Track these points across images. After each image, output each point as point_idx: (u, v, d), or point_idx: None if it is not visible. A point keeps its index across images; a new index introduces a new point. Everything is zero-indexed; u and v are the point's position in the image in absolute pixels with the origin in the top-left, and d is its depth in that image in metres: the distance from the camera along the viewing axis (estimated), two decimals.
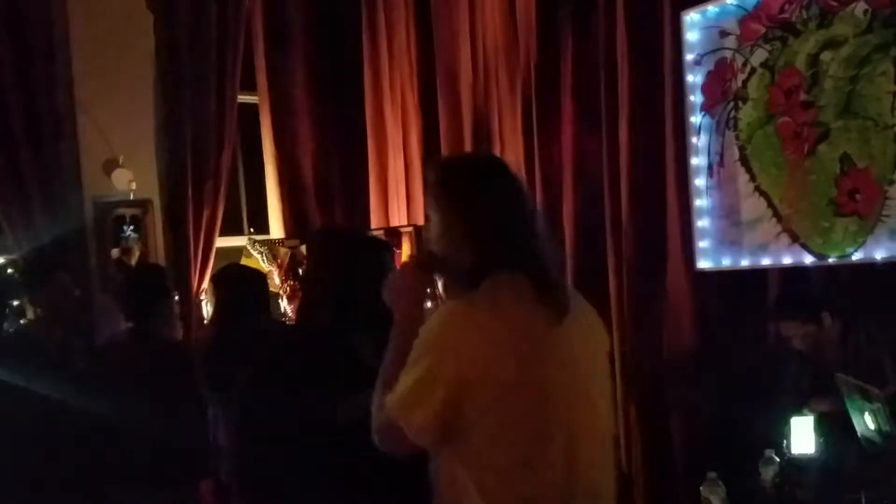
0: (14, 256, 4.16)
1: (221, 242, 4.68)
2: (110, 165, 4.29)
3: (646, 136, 3.56)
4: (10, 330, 3.54)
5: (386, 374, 1.47)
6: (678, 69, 3.47)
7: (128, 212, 4.36)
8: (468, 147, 4.61)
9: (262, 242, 4.83)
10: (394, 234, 4.94)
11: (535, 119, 4.03)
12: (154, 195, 4.46)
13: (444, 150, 4.74)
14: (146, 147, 4.45)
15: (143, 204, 4.40)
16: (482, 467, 1.41)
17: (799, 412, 2.75)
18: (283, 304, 4.63)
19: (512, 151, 4.37)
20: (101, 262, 4.29)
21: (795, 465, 2.67)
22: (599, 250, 3.77)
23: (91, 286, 4.15)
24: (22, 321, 3.67)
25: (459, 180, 1.50)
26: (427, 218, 1.57)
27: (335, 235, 2.50)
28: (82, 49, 4.24)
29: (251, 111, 5.11)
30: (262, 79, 5.05)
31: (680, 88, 3.47)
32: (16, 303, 4.36)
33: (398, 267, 1.62)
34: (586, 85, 3.80)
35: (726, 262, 3.37)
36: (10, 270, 4.44)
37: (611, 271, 3.72)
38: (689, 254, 3.45)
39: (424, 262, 1.57)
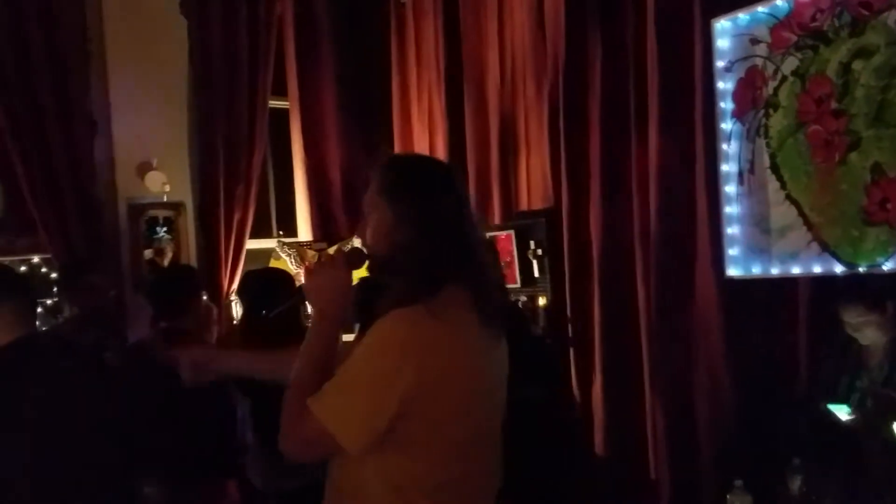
0: (48, 255, 4.25)
1: (251, 244, 4.76)
2: (144, 168, 4.39)
3: (675, 142, 3.55)
4: (44, 329, 3.63)
5: (304, 376, 1.38)
6: (708, 76, 3.46)
7: (161, 213, 4.45)
8: (495, 152, 4.64)
9: (291, 245, 4.90)
10: None
11: (563, 124, 4.04)
12: (187, 198, 4.55)
13: (470, 154, 4.78)
14: (179, 150, 4.54)
15: (176, 206, 4.49)
16: (418, 480, 1.37)
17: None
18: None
19: (538, 156, 4.38)
20: (133, 263, 4.37)
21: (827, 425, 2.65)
22: (627, 257, 3.76)
23: (123, 287, 4.23)
24: (57, 320, 3.76)
25: (418, 182, 1.43)
26: (366, 216, 1.47)
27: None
28: (117, 53, 4.34)
29: (281, 116, 5.18)
30: (292, 84, 5.12)
31: (710, 95, 3.46)
32: (49, 302, 4.47)
33: (322, 261, 1.48)
34: (615, 90, 3.80)
35: (756, 270, 3.35)
36: (44, 269, 4.55)
37: (639, 278, 3.71)
38: (718, 261, 3.43)
39: (356, 260, 1.46)
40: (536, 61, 4.31)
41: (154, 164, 4.40)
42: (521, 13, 4.41)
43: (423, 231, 1.37)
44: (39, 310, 4.45)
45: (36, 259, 4.48)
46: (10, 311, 2.17)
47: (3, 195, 4.38)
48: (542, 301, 4.23)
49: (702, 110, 3.50)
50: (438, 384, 1.34)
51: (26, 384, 2.16)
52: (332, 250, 4.33)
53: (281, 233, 5.20)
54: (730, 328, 3.43)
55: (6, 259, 4.45)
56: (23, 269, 4.58)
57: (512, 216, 4.53)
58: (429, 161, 1.69)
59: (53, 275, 4.42)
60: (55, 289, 4.33)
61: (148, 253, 4.42)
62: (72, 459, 2.64)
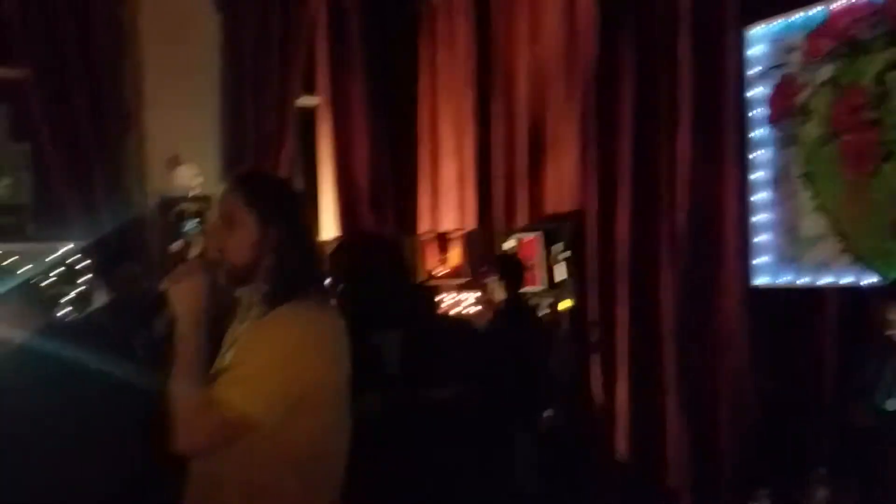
0: (81, 244, 4.30)
1: None
2: (174, 162, 4.43)
3: (706, 148, 3.54)
4: (77, 316, 3.68)
5: (187, 374, 1.46)
6: (741, 82, 3.45)
7: (189, 207, 4.49)
8: (522, 154, 4.65)
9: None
10: (443, 238, 5.00)
11: (593, 128, 4.04)
12: (215, 191, 4.58)
13: (497, 156, 4.79)
14: (209, 145, 4.59)
15: (205, 200, 4.53)
16: (301, 460, 1.51)
17: None
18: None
19: (566, 160, 4.39)
20: (161, 256, 4.42)
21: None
22: (654, 263, 3.75)
23: (152, 278, 4.28)
24: (87, 308, 3.81)
25: (281, 197, 1.59)
26: (224, 229, 1.54)
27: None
28: (150, 47, 4.39)
29: (310, 113, 5.21)
30: (321, 82, 5.14)
31: (743, 102, 3.45)
32: (77, 291, 4.52)
33: (180, 270, 1.55)
34: (646, 95, 3.79)
35: (784, 280, 3.34)
36: (73, 259, 4.61)
37: (665, 284, 3.70)
38: (745, 269, 3.42)
39: (212, 268, 1.55)
40: (567, 64, 4.31)
41: (184, 159, 4.44)
42: (554, 15, 4.41)
43: (288, 241, 1.52)
44: (67, 297, 4.53)
45: (66, 248, 4.53)
46: (18, 300, 2.21)
47: (37, 185, 4.44)
48: (566, 304, 4.23)
49: (734, 117, 3.49)
50: (331, 365, 1.53)
51: (65, 369, 2.19)
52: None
53: None
54: (755, 336, 3.41)
55: (37, 247, 4.52)
56: (52, 257, 4.64)
57: (538, 219, 4.54)
58: (283, 179, 1.99)
59: (82, 264, 4.47)
60: (86, 277, 4.38)
61: (176, 246, 4.46)
62: (99, 448, 2.67)
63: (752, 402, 3.41)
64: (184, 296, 1.51)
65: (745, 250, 3.43)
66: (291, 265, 1.52)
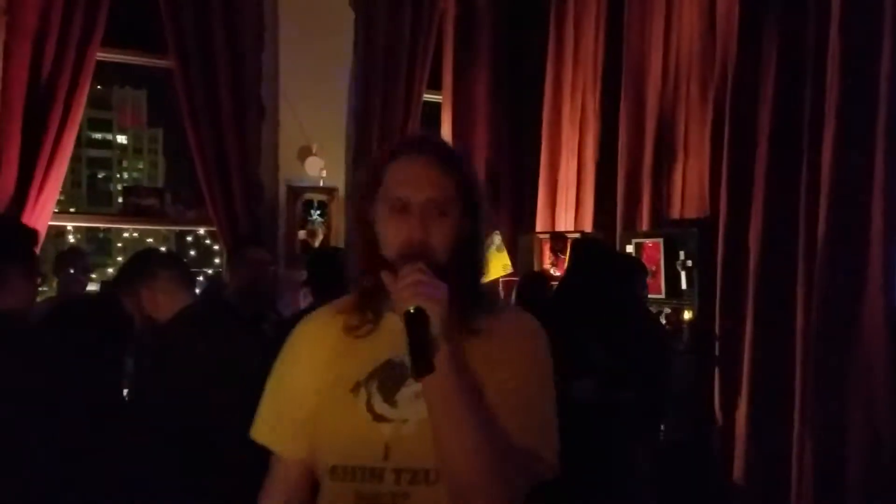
0: (213, 229, 4.55)
1: None
2: (304, 153, 4.60)
3: (852, 155, 3.29)
4: (211, 298, 3.89)
5: (473, 406, 1.14)
6: None
7: (315, 197, 4.66)
8: (649, 155, 4.50)
9: None
10: (559, 238, 4.93)
11: (728, 131, 3.84)
12: (340, 183, 4.73)
13: (622, 156, 4.66)
14: (337, 138, 4.73)
15: (330, 191, 4.68)
16: None
17: None
18: None
19: (696, 163, 4.21)
20: (288, 242, 4.61)
21: None
22: (788, 276, 3.52)
23: (278, 263, 4.46)
24: (221, 289, 4.02)
25: (479, 186, 1.28)
26: (434, 216, 1.20)
27: None
28: (289, 44, 4.57)
29: (433, 108, 5.27)
30: (447, 78, 5.19)
31: None
32: (210, 272, 4.78)
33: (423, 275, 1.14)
34: (788, 96, 3.57)
35: None
36: (207, 241, 4.88)
37: (799, 300, 3.47)
38: (890, 288, 3.16)
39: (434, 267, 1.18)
40: (703, 64, 4.13)
41: (314, 150, 4.60)
42: (691, 13, 4.24)
43: (476, 236, 1.26)
44: (201, 278, 4.81)
45: (202, 231, 4.82)
46: (167, 281, 2.35)
47: (170, 168, 4.73)
48: (687, 315, 4.07)
49: (885, 122, 3.22)
50: None
51: (209, 346, 2.31)
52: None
53: None
54: None
55: (176, 228, 4.83)
56: (188, 238, 4.94)
57: (662, 223, 4.38)
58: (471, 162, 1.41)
59: (216, 247, 4.74)
60: (218, 260, 4.64)
61: (301, 234, 4.65)
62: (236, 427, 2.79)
63: (889, 437, 3.14)
64: (439, 313, 1.13)
65: (891, 267, 3.16)
66: (480, 264, 1.27)
